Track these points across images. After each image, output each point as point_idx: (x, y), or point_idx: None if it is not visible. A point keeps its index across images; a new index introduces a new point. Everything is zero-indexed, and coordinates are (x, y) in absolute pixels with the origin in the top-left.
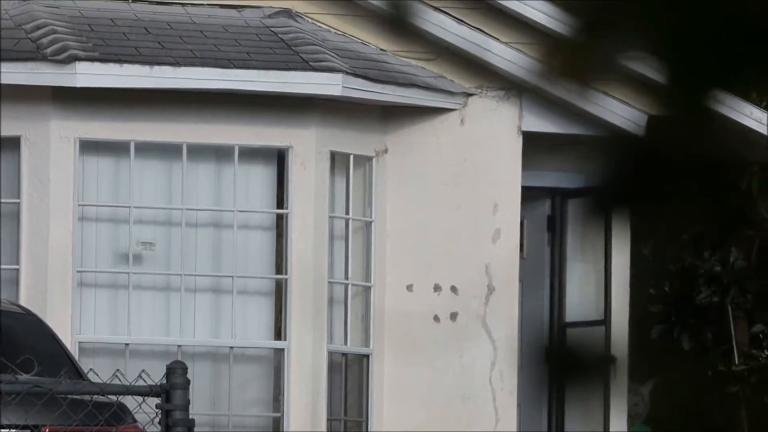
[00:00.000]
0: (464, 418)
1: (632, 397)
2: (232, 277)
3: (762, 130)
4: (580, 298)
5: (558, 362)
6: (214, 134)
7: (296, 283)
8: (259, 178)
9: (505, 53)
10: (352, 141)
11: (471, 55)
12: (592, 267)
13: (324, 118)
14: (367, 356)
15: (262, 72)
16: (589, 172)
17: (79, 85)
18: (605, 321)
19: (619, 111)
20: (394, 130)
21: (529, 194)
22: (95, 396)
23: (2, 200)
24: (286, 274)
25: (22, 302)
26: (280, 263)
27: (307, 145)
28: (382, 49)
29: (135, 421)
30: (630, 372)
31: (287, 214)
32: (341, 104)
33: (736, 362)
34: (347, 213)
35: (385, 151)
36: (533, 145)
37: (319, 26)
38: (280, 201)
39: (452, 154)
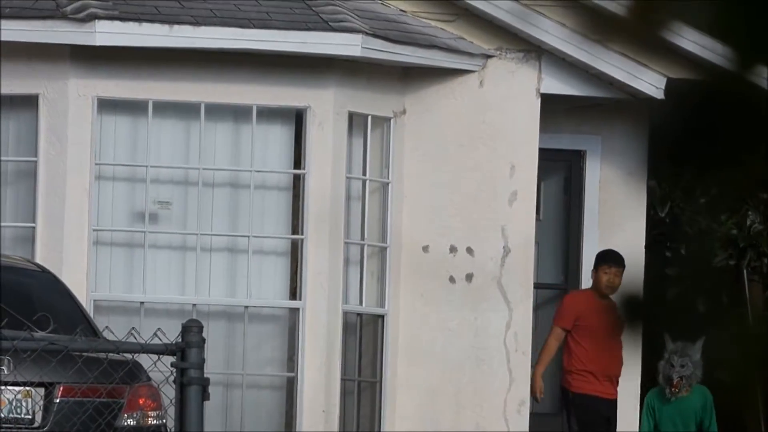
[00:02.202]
0: (478, 379)
1: (666, 363)
2: (248, 236)
3: None
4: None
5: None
6: (232, 94)
7: (312, 244)
8: (277, 138)
9: (525, 15)
10: (370, 102)
11: (491, 17)
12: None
13: (343, 79)
14: (382, 317)
15: (281, 32)
16: (606, 134)
17: (98, 43)
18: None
19: (638, 74)
20: (413, 92)
21: (546, 156)
22: (110, 354)
23: (20, 158)
24: (302, 234)
25: (38, 260)
26: (297, 223)
27: (326, 105)
28: (401, 10)
29: (149, 379)
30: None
31: (304, 174)
32: (360, 65)
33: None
34: (364, 174)
35: (404, 112)
36: (552, 107)
37: None
38: (298, 161)
39: (470, 116)
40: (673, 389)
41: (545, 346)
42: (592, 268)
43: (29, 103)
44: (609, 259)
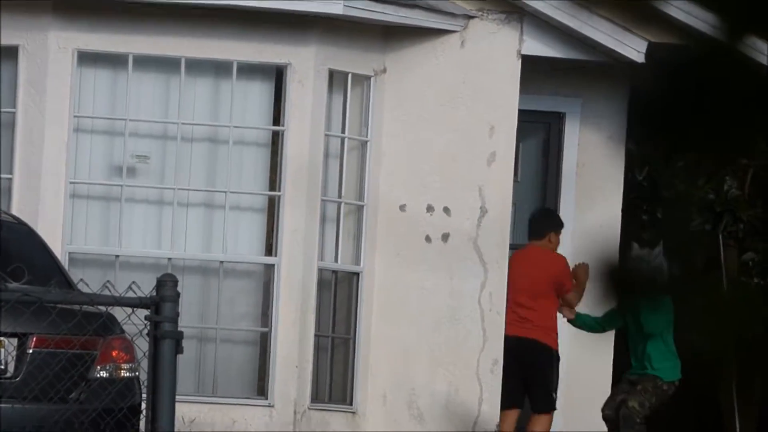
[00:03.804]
0: (452, 339)
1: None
2: (225, 192)
3: None
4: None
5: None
6: (213, 49)
7: (289, 200)
8: (257, 94)
9: None
10: (351, 60)
11: None
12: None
13: (324, 37)
14: (358, 274)
15: None
16: (586, 97)
17: None
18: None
19: (622, 38)
20: (394, 51)
21: (526, 118)
22: (84, 306)
23: None
24: (279, 191)
25: (14, 212)
26: (274, 180)
27: (306, 62)
28: None
29: (123, 332)
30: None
31: (283, 131)
32: (342, 23)
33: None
34: (343, 132)
35: (384, 71)
36: (533, 69)
37: None
38: (277, 118)
39: (451, 76)
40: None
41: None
42: (547, 228)
43: (9, 54)
44: (561, 223)
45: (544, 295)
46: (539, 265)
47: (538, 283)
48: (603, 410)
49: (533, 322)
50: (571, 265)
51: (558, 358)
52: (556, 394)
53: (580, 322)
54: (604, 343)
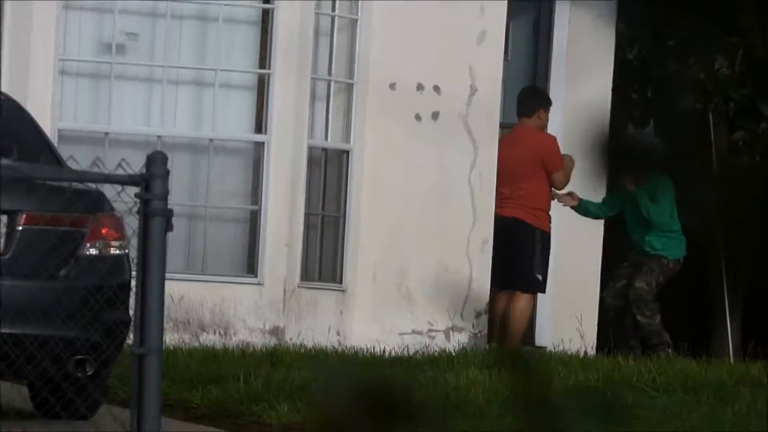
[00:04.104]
0: (442, 217)
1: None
2: (215, 70)
3: None
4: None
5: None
6: None
7: (279, 78)
8: None
9: None
10: None
11: None
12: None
13: None
14: (348, 152)
15: None
16: None
17: None
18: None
19: None
20: None
21: None
22: (74, 183)
23: None
24: (269, 69)
25: (3, 88)
26: (264, 58)
27: None
28: None
29: (113, 209)
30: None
31: (273, 9)
32: None
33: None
34: (333, 10)
35: None
36: None
37: None
38: None
39: None
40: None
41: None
42: (535, 106)
43: None
44: (549, 100)
45: (531, 175)
46: (526, 146)
47: (525, 162)
48: (605, 299)
49: (517, 201)
50: (562, 147)
51: (546, 239)
52: (543, 276)
53: (583, 209)
54: (595, 228)
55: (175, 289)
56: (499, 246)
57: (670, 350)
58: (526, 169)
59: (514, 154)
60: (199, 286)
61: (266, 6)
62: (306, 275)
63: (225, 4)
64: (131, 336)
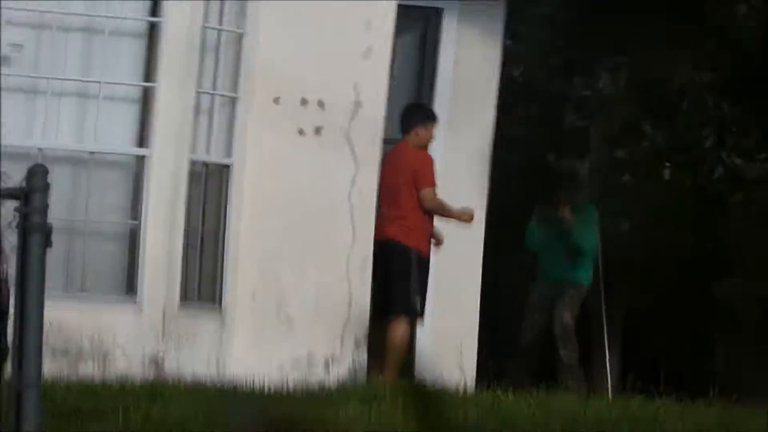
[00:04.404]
0: (322, 236)
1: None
2: (100, 82)
3: None
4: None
5: None
6: None
7: (164, 91)
8: None
9: None
10: None
11: None
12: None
13: None
14: (228, 167)
15: None
16: None
17: None
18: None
19: None
20: None
21: (403, 13)
22: None
23: None
24: (154, 82)
25: None
26: (150, 71)
27: None
28: None
29: None
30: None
31: (160, 22)
32: None
33: None
34: (220, 24)
35: None
36: None
37: None
38: (154, 8)
39: None
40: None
41: (444, 206)
42: (413, 122)
43: None
44: (433, 116)
45: (408, 194)
46: (401, 163)
47: (400, 180)
48: (520, 341)
49: (395, 221)
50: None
51: (424, 262)
52: (417, 299)
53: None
54: (474, 250)
55: (54, 315)
56: (377, 269)
57: (586, 387)
58: (401, 187)
59: (391, 172)
60: (77, 311)
61: (153, 19)
62: (185, 295)
63: (112, 17)
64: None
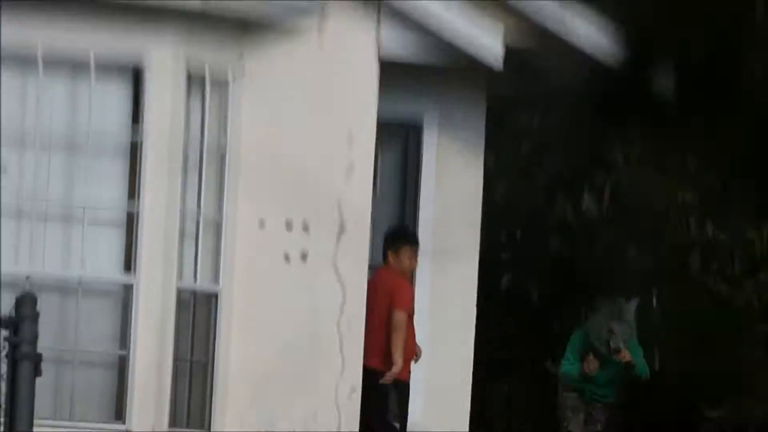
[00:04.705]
0: (311, 363)
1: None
2: (83, 207)
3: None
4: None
5: None
6: (69, 43)
7: (148, 216)
8: (115, 96)
9: None
10: (210, 62)
11: None
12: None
13: (183, 36)
14: (216, 294)
15: None
16: (444, 105)
17: None
18: None
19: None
20: (253, 52)
21: (384, 128)
22: None
23: None
24: (138, 204)
25: None
26: (134, 193)
27: (164, 62)
28: None
29: None
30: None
31: (142, 141)
32: (198, 17)
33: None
34: (202, 141)
35: (243, 74)
36: (390, 73)
37: None
38: (136, 120)
39: (308, 82)
40: (619, 356)
41: (401, 333)
42: (389, 249)
43: None
44: (415, 240)
45: (380, 319)
46: (381, 290)
47: (380, 307)
48: None
49: (376, 348)
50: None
51: (403, 387)
52: (402, 426)
53: (565, 378)
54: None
55: None
56: (363, 397)
57: None
58: (381, 314)
59: (372, 299)
60: None
61: (135, 139)
62: (174, 421)
63: (94, 133)
64: None
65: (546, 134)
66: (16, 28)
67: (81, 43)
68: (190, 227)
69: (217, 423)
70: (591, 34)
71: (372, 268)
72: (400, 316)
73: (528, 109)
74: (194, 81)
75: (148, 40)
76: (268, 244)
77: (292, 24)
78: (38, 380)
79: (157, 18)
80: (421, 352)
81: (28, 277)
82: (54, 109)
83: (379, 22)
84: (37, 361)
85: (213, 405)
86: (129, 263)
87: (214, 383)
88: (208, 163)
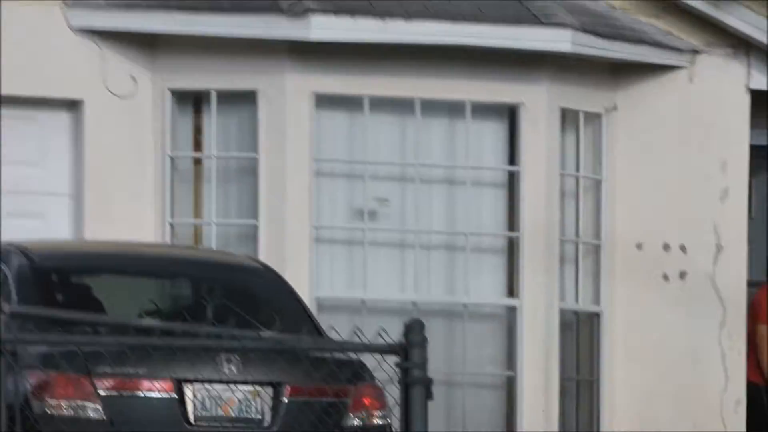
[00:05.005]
0: (693, 379)
1: None
2: (465, 234)
3: None
4: None
5: None
6: (446, 90)
7: (528, 241)
8: (491, 134)
9: (734, 10)
10: (582, 98)
11: (699, 12)
12: None
13: (554, 75)
14: (598, 314)
15: (492, 27)
16: None
17: (312, 38)
18: None
19: None
20: (623, 88)
21: (756, 153)
22: (334, 353)
23: (241, 154)
24: (517, 231)
25: (261, 258)
26: (512, 220)
27: (538, 101)
28: (611, 6)
29: (374, 378)
30: None
31: (518, 171)
32: (571, 60)
33: None
34: (577, 170)
35: (614, 108)
36: (761, 103)
37: None
38: (512, 157)
39: (680, 112)
40: None
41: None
42: None
43: (248, 98)
44: None
45: (754, 333)
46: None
47: (751, 321)
48: None
49: (751, 362)
50: None
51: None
52: None
53: None
54: None
55: None
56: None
57: None
58: (750, 328)
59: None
60: None
61: (512, 168)
62: None
63: (471, 168)
64: None
65: None
66: (394, 79)
67: (458, 89)
68: (570, 251)
69: None
70: None
71: (751, 286)
72: (762, 331)
73: None
74: (568, 116)
75: (521, 82)
76: (646, 264)
77: (662, 61)
78: (430, 403)
79: (531, 61)
80: None
81: (414, 303)
82: (433, 146)
83: (748, 56)
84: (428, 384)
85: (600, 423)
86: (512, 290)
87: (600, 401)
88: (584, 190)
